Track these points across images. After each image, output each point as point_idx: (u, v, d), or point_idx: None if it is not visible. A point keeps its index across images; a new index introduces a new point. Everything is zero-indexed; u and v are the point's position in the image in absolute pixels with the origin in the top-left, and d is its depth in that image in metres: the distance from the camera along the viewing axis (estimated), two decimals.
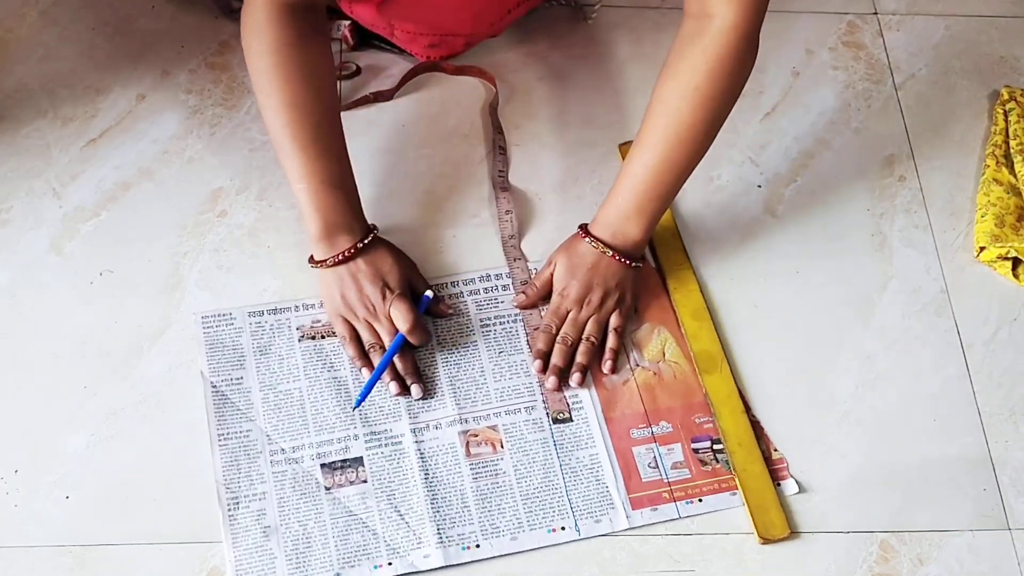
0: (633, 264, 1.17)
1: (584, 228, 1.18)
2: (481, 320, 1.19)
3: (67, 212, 1.23)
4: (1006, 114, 1.36)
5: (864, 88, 1.40)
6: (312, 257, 1.15)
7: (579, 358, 1.16)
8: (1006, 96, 1.38)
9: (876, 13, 1.47)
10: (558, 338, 1.16)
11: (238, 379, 1.13)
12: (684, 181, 1.16)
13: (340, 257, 1.13)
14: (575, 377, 1.15)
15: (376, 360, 1.13)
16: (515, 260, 1.23)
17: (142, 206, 1.24)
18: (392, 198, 1.26)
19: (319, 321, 1.17)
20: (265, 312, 1.17)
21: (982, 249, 1.26)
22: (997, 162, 1.32)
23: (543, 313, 1.19)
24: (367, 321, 1.14)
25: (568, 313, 1.17)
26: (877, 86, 1.40)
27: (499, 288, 1.21)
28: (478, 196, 1.27)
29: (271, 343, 1.15)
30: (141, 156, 1.27)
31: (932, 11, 1.48)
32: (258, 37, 1.11)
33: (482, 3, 1.27)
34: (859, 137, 1.36)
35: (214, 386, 1.13)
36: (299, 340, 1.16)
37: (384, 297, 1.13)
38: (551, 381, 1.14)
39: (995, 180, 1.31)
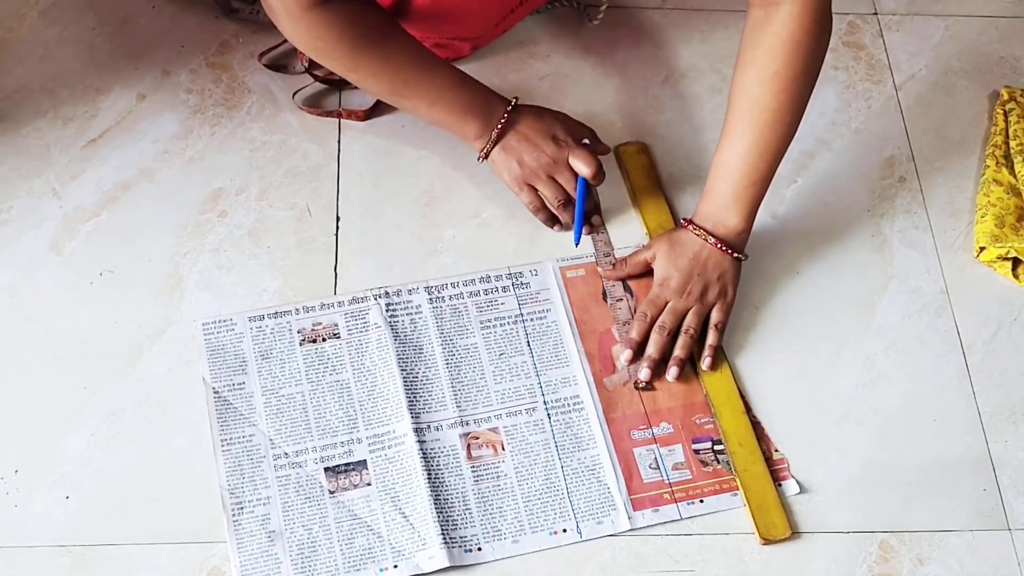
0: (736, 255, 1.17)
1: (687, 220, 1.18)
2: (481, 322, 1.18)
3: (67, 212, 1.23)
4: (1006, 114, 1.36)
5: (864, 88, 1.40)
6: (479, 153, 1.21)
7: (678, 351, 1.15)
8: (1006, 96, 1.37)
9: (876, 13, 1.47)
10: (655, 327, 1.15)
11: (240, 384, 1.13)
12: (778, 164, 1.16)
13: (499, 125, 1.19)
14: (672, 371, 1.14)
15: (565, 213, 1.22)
16: (598, 233, 1.25)
17: (142, 206, 1.24)
18: (392, 198, 1.26)
19: (320, 323, 1.17)
20: (266, 316, 1.17)
21: (982, 249, 1.26)
22: (997, 162, 1.32)
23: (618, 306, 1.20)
24: (548, 177, 1.20)
25: (667, 303, 1.16)
26: (877, 86, 1.40)
27: (499, 289, 1.21)
28: (478, 196, 1.27)
29: (272, 347, 1.15)
30: (141, 156, 1.27)
31: (932, 11, 1.48)
32: (321, 37, 1.11)
33: (491, 5, 1.27)
34: (859, 137, 1.36)
35: (216, 392, 1.12)
36: (300, 344, 1.16)
37: (559, 146, 1.19)
38: (644, 372, 1.13)
39: (995, 180, 1.31)
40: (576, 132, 1.23)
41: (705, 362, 1.16)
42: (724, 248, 1.16)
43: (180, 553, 1.05)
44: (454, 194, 1.27)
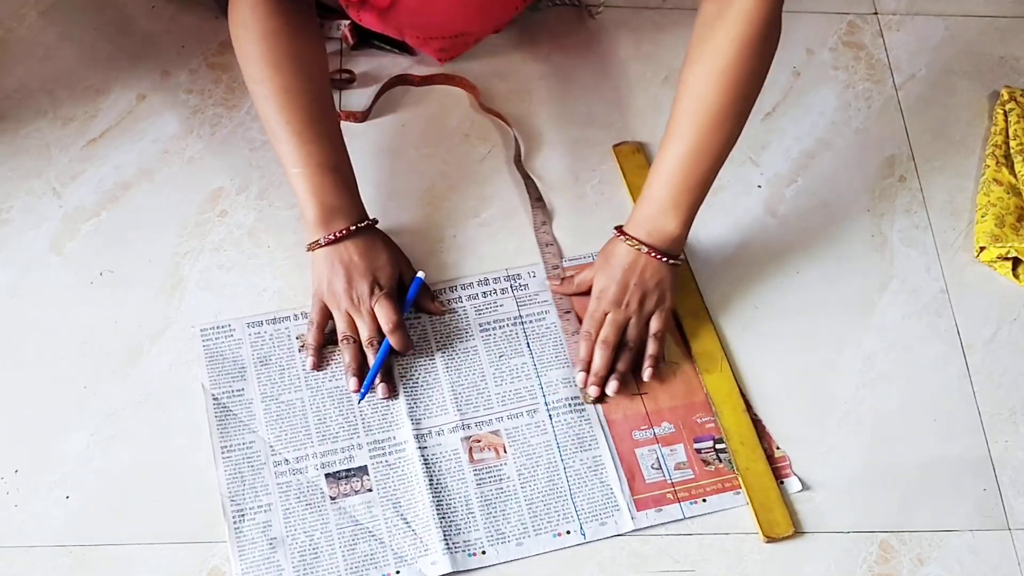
0: (671, 262, 1.14)
1: (620, 228, 1.16)
2: (480, 325, 1.18)
3: (67, 212, 1.23)
4: (1006, 114, 1.36)
5: (864, 88, 1.40)
6: (308, 244, 1.14)
7: (620, 366, 1.14)
8: (1006, 96, 1.38)
9: (876, 13, 1.47)
10: (598, 342, 1.14)
11: (239, 391, 1.13)
12: (718, 169, 1.12)
13: (333, 237, 1.12)
14: (611, 386, 1.13)
15: (348, 352, 1.12)
16: (547, 245, 1.23)
17: (142, 206, 1.24)
18: (392, 198, 1.26)
19: None
20: (264, 322, 1.17)
21: (982, 249, 1.26)
22: (997, 162, 1.32)
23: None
24: (348, 313, 1.13)
25: (606, 315, 1.14)
26: (877, 86, 1.40)
27: (498, 292, 1.20)
28: (478, 195, 1.27)
29: (271, 353, 1.15)
30: (141, 156, 1.27)
31: (932, 11, 1.48)
32: (245, 27, 1.11)
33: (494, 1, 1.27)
34: (859, 137, 1.36)
35: (215, 398, 1.12)
36: (299, 350, 1.15)
37: (372, 293, 1.12)
38: (593, 390, 1.12)
39: (995, 180, 1.31)
40: (407, 280, 1.16)
41: (646, 373, 1.15)
42: (659, 256, 1.14)
43: (180, 553, 1.05)
44: (455, 194, 1.27)
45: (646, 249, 1.13)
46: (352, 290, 1.12)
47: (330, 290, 1.13)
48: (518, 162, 1.29)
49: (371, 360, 1.12)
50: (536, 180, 1.28)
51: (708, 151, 1.11)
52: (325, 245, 1.12)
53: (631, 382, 1.15)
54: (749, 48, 1.07)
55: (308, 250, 1.14)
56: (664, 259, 1.14)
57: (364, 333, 1.12)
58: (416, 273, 1.16)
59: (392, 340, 1.12)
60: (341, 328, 1.13)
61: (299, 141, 1.11)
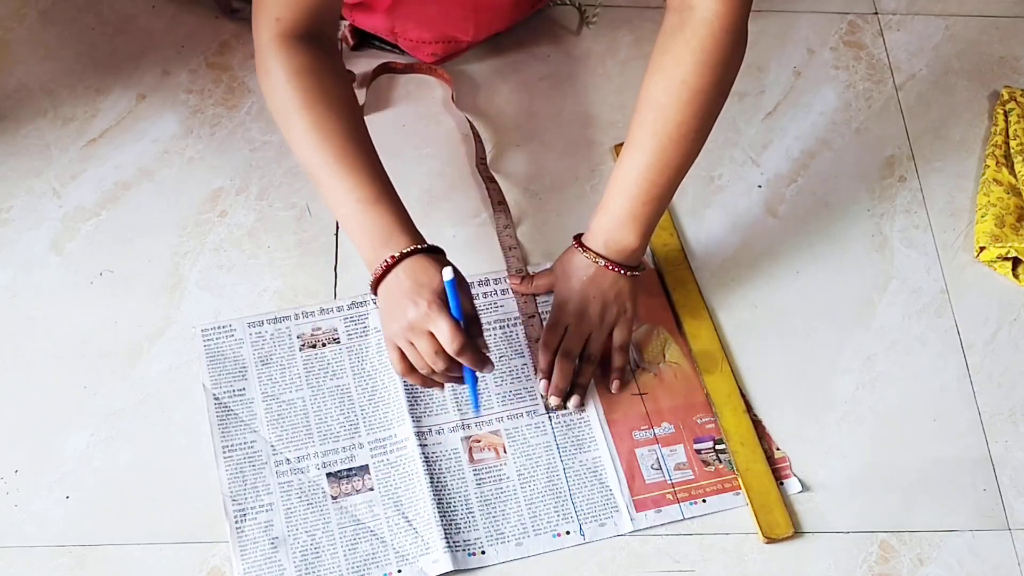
0: (630, 273, 1.13)
1: (578, 239, 1.14)
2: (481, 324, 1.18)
3: (67, 212, 1.23)
4: (1006, 114, 1.36)
5: (865, 88, 1.40)
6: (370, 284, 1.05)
7: (581, 379, 1.13)
8: (1006, 96, 1.38)
9: (877, 13, 1.47)
10: (559, 353, 1.12)
11: (240, 390, 1.13)
12: (679, 182, 1.11)
13: (380, 270, 1.02)
14: (574, 400, 1.12)
15: (422, 383, 1.05)
16: (510, 249, 1.23)
17: (142, 206, 1.24)
18: None
19: (319, 329, 1.16)
20: (265, 322, 1.17)
21: (982, 249, 1.26)
22: (997, 162, 1.32)
23: (543, 317, 1.18)
24: (410, 342, 1.02)
25: (567, 327, 1.13)
26: (878, 86, 1.40)
27: (499, 292, 1.20)
28: (478, 196, 1.27)
29: (272, 353, 1.15)
30: (141, 156, 1.27)
31: (932, 11, 1.48)
32: (270, 74, 1.04)
33: (484, 11, 1.27)
34: (860, 137, 1.36)
35: (216, 398, 1.12)
36: (300, 349, 1.15)
37: (420, 310, 0.99)
38: (554, 401, 1.11)
39: (995, 180, 1.31)
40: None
41: (613, 385, 1.14)
42: (616, 268, 1.12)
43: (180, 553, 1.05)
44: (455, 193, 1.27)
45: (603, 262, 1.12)
46: (402, 315, 1.01)
47: (389, 325, 1.03)
48: (481, 165, 1.28)
49: (435, 364, 1.02)
50: (500, 182, 1.27)
51: (667, 163, 1.08)
52: (376, 285, 1.03)
53: (630, 382, 1.15)
54: (710, 59, 1.04)
55: (372, 293, 1.05)
56: (622, 271, 1.12)
57: (427, 357, 1.01)
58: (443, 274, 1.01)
59: (464, 361, 1.01)
60: (419, 366, 1.03)
61: (335, 179, 1.03)
